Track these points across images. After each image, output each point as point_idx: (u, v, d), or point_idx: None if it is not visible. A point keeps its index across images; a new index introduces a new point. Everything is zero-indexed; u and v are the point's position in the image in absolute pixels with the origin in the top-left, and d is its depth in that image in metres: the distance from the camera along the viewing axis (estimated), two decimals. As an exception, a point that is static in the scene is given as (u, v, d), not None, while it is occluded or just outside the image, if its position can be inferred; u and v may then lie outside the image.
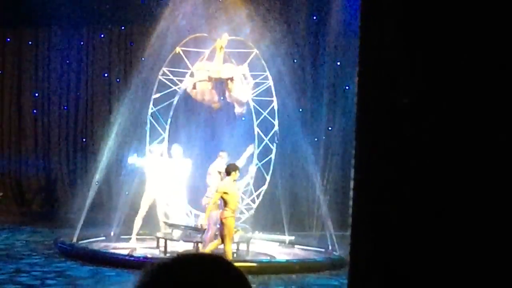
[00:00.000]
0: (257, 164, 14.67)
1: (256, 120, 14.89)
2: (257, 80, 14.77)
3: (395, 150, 3.17)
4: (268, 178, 14.53)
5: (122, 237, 14.85)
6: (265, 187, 14.89)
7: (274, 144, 14.74)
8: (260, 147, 14.86)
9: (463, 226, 3.02)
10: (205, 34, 14.81)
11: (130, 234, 15.09)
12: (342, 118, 16.97)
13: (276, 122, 14.79)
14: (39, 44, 20.88)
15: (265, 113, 14.85)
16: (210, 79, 14.43)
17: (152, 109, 15.04)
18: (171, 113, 15.26)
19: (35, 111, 20.93)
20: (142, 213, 14.56)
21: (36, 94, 20.91)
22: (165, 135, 15.17)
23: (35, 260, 13.45)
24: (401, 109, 3.15)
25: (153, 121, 15.02)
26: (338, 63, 17.52)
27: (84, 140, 20.59)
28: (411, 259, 3.09)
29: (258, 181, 15.15)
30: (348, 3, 16.47)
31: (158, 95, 15.01)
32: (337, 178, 17.43)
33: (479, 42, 3.02)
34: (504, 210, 2.99)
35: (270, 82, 14.77)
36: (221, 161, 14.10)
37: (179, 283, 1.69)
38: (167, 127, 15.21)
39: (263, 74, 14.74)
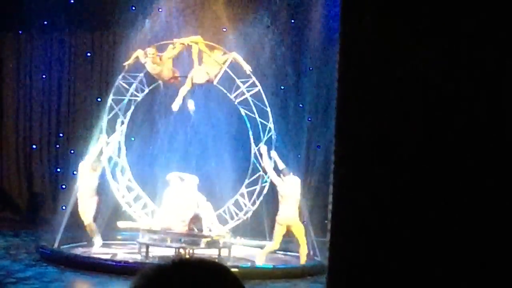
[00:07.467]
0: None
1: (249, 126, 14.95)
2: (243, 83, 14.80)
3: (375, 158, 3.21)
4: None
5: (104, 242, 14.81)
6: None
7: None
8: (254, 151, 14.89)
9: (445, 234, 3.06)
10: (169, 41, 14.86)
11: (112, 239, 15.15)
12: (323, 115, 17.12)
13: (273, 134, 14.81)
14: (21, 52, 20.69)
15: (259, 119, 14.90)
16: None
17: (108, 116, 15.12)
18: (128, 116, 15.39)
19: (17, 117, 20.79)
20: (88, 218, 14.42)
21: (18, 101, 20.73)
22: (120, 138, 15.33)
23: (15, 266, 13.43)
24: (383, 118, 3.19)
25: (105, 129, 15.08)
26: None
27: (64, 142, 20.43)
28: (388, 265, 3.13)
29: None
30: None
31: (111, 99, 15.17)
32: (318, 183, 17.47)
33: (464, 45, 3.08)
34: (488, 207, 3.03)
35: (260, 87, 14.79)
36: (176, 184, 14.20)
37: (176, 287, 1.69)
38: (123, 131, 15.34)
39: (249, 80, 14.75)
